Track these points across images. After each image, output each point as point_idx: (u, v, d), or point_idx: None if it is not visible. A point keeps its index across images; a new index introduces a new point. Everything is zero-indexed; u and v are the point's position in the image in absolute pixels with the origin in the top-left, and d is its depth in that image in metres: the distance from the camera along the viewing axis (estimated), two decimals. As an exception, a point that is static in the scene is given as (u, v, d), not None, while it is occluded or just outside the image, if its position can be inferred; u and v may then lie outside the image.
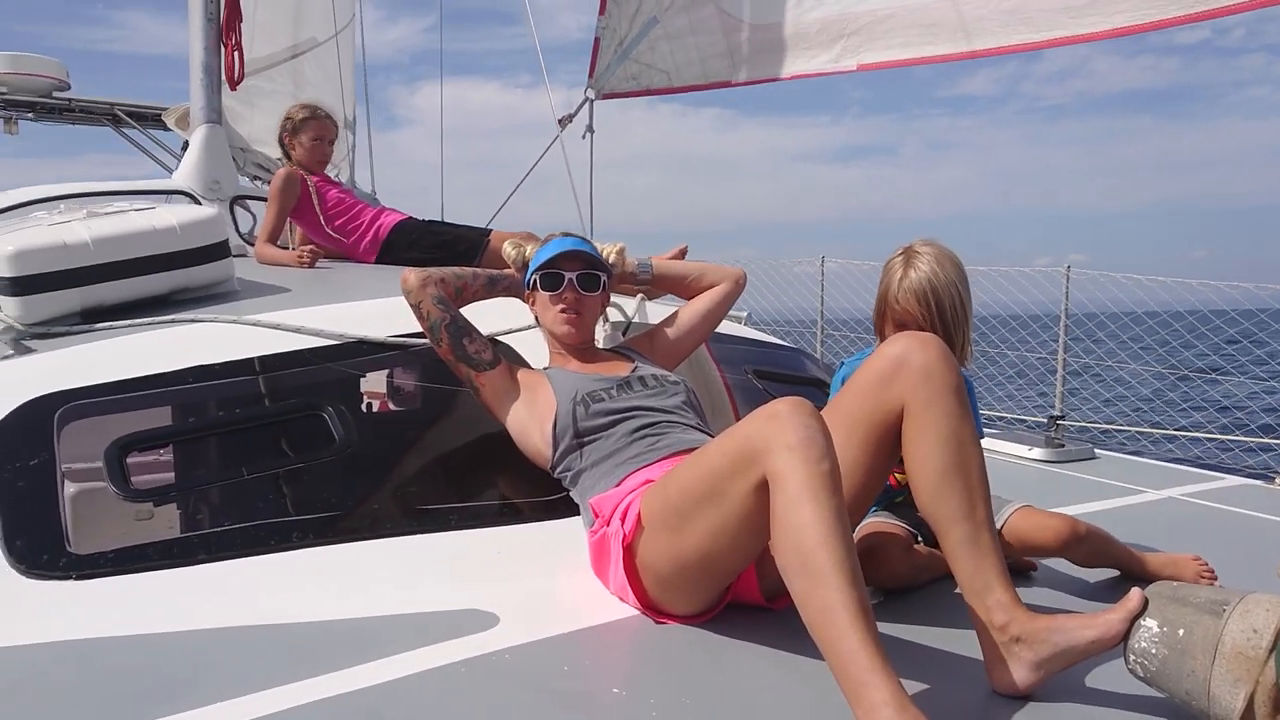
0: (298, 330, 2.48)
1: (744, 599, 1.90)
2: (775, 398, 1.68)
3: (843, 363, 2.55)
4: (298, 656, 1.68)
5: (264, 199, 4.31)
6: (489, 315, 2.48)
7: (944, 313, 2.19)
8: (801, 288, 7.53)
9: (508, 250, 2.52)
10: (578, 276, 2.35)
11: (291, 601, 1.90)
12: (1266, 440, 4.06)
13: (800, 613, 1.48)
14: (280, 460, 2.27)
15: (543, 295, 2.37)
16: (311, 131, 4.10)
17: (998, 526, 2.20)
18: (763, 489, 1.57)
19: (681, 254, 2.93)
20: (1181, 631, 1.46)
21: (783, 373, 3.54)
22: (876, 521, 2.22)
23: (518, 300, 2.51)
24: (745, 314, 4.48)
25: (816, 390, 3.27)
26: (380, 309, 2.66)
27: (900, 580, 2.11)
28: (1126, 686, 1.60)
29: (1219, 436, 4.35)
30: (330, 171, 7.51)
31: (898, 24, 4.60)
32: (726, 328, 3.71)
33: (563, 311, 2.34)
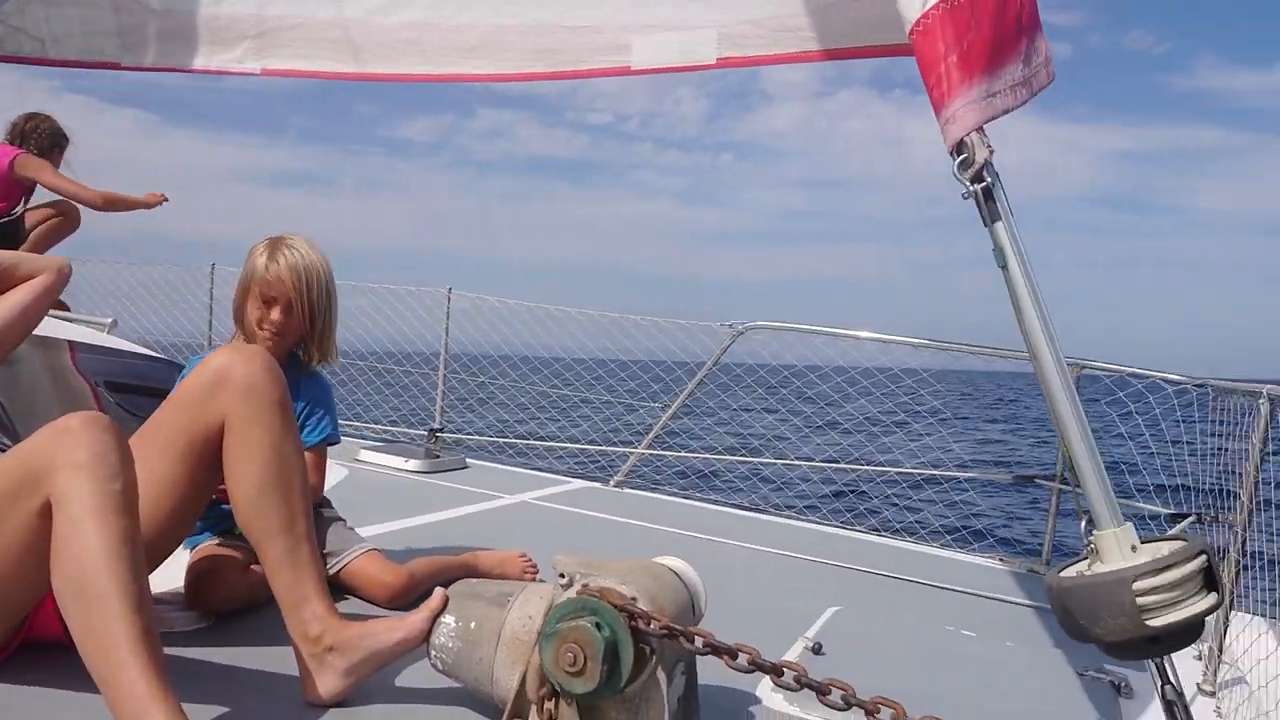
0: None
1: (41, 636, 1.70)
2: (135, 412, 1.53)
3: (189, 363, 2.45)
4: None
5: None
6: None
7: (312, 293, 2.26)
8: (196, 301, 7.08)
9: None
10: None
11: None
12: (605, 448, 4.70)
13: (78, 647, 1.36)
14: None
15: None
16: None
17: (336, 569, 2.25)
18: (48, 513, 1.42)
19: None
20: (473, 624, 1.60)
21: (142, 384, 3.29)
22: (213, 545, 2.15)
23: None
24: (110, 320, 4.09)
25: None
26: None
27: (237, 600, 2.05)
28: (434, 681, 1.71)
29: (568, 446, 4.95)
30: None
31: (304, 34, 4.52)
32: (87, 335, 3.35)
33: None
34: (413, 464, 4.18)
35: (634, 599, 1.50)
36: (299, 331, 2.31)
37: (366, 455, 4.32)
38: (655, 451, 4.27)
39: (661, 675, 1.48)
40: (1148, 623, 1.45)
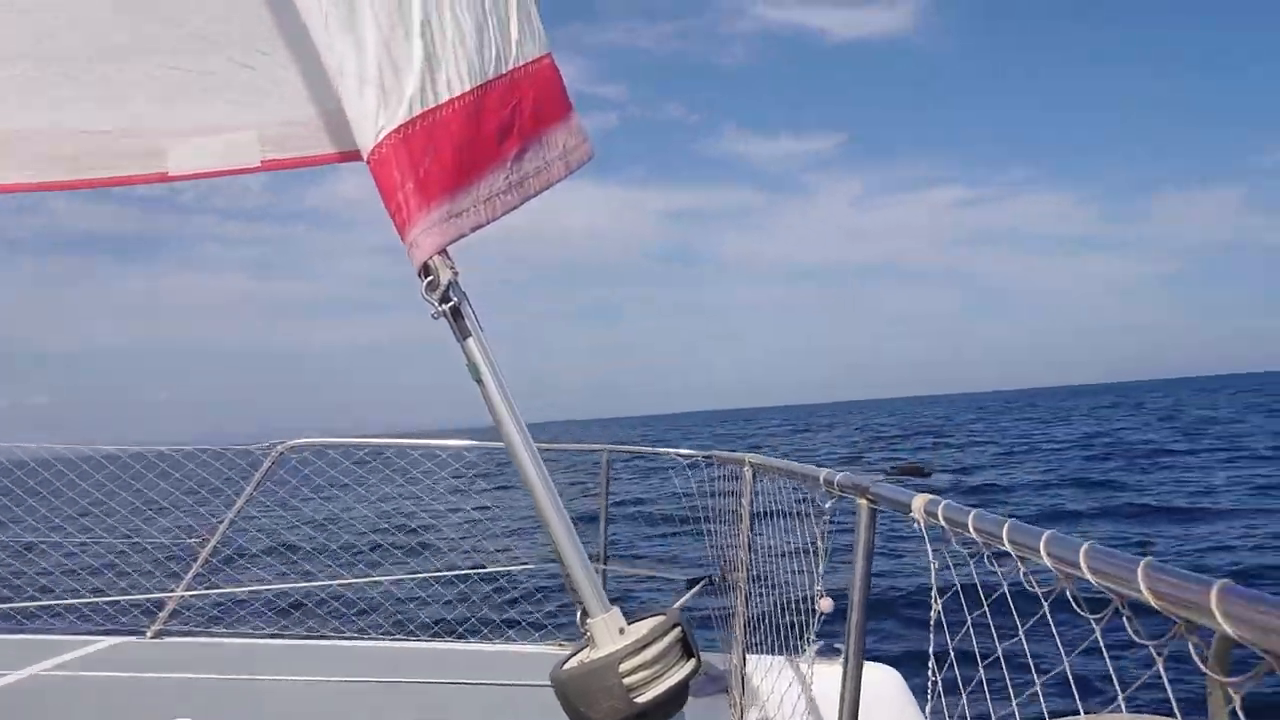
0: None
1: None
2: None
3: None
4: None
5: None
6: None
7: None
8: None
9: None
10: None
11: None
12: (137, 597, 4.21)
13: None
14: None
15: None
16: None
17: None
18: None
19: None
20: None
21: None
22: None
23: None
24: None
25: None
26: None
27: None
28: None
29: (93, 600, 4.29)
30: None
31: None
32: None
33: None
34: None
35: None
36: None
37: None
38: (198, 592, 3.90)
39: None
40: (635, 699, 1.55)
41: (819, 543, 2.34)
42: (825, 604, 2.39)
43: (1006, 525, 1.28)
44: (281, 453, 3.91)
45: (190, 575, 3.85)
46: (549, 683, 1.51)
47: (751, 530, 2.70)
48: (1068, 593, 1.15)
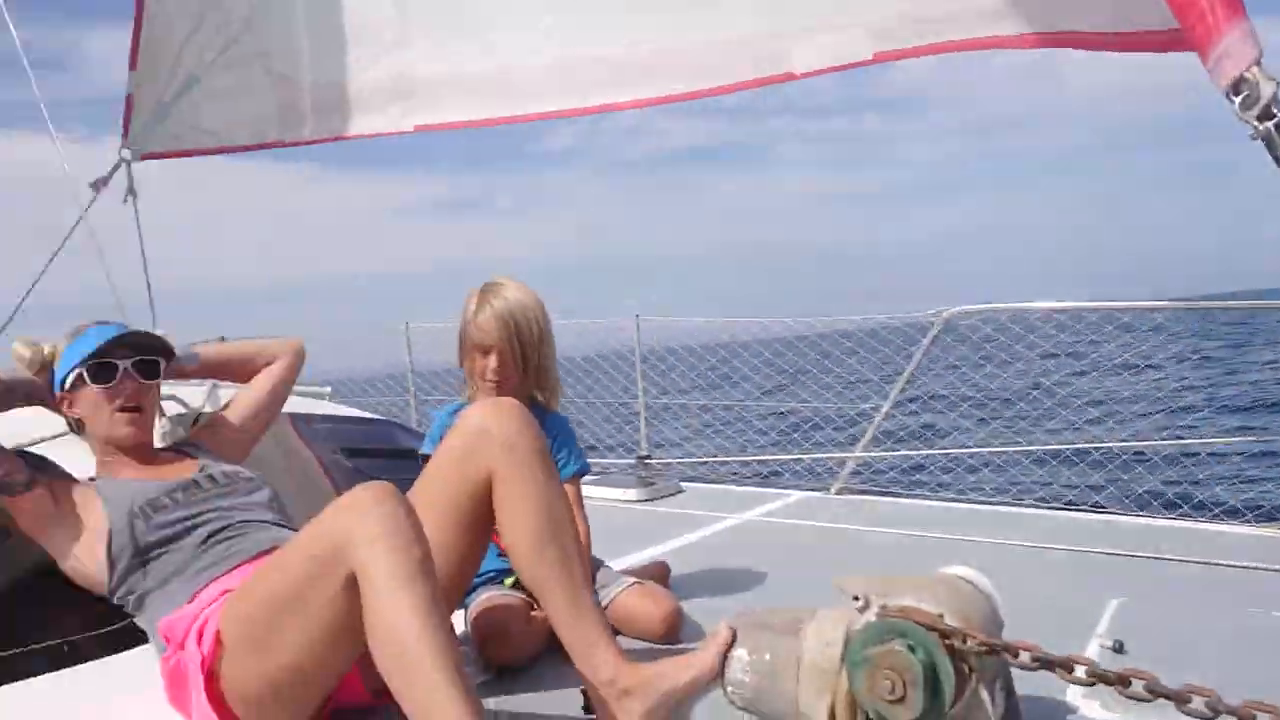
0: None
1: (348, 700, 1.75)
2: (369, 476, 1.58)
3: (433, 414, 2.51)
4: None
5: None
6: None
7: (522, 336, 2.28)
8: (390, 353, 7.37)
9: (20, 350, 2.15)
10: (133, 364, 2.08)
11: None
12: (820, 456, 4.57)
13: (404, 709, 1.38)
14: None
15: (92, 392, 2.05)
16: None
17: (604, 603, 2.23)
18: (352, 586, 1.46)
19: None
20: (767, 656, 1.55)
21: (373, 447, 3.41)
22: (493, 596, 2.17)
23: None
24: (328, 389, 4.28)
25: (410, 461, 3.19)
26: None
27: (526, 651, 2.06)
28: (728, 717, 1.67)
29: (782, 457, 4.83)
30: None
31: (455, 88, 4.68)
32: (309, 406, 3.50)
33: (122, 409, 2.06)
34: (631, 494, 4.19)
35: (940, 616, 1.41)
36: (516, 378, 2.33)
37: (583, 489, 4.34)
38: (874, 454, 4.14)
39: (985, 695, 1.39)
40: None
41: None
42: None
43: None
44: (948, 320, 3.95)
45: (866, 438, 4.11)
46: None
47: None
48: None
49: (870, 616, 1.46)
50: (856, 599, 1.49)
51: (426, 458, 1.89)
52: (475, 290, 2.35)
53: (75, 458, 2.16)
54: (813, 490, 4.27)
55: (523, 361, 2.30)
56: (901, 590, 1.47)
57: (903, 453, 4.45)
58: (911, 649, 1.36)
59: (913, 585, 1.48)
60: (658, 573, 2.59)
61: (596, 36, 4.36)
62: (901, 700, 1.35)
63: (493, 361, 2.28)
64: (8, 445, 1.99)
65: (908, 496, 4.20)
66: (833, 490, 4.13)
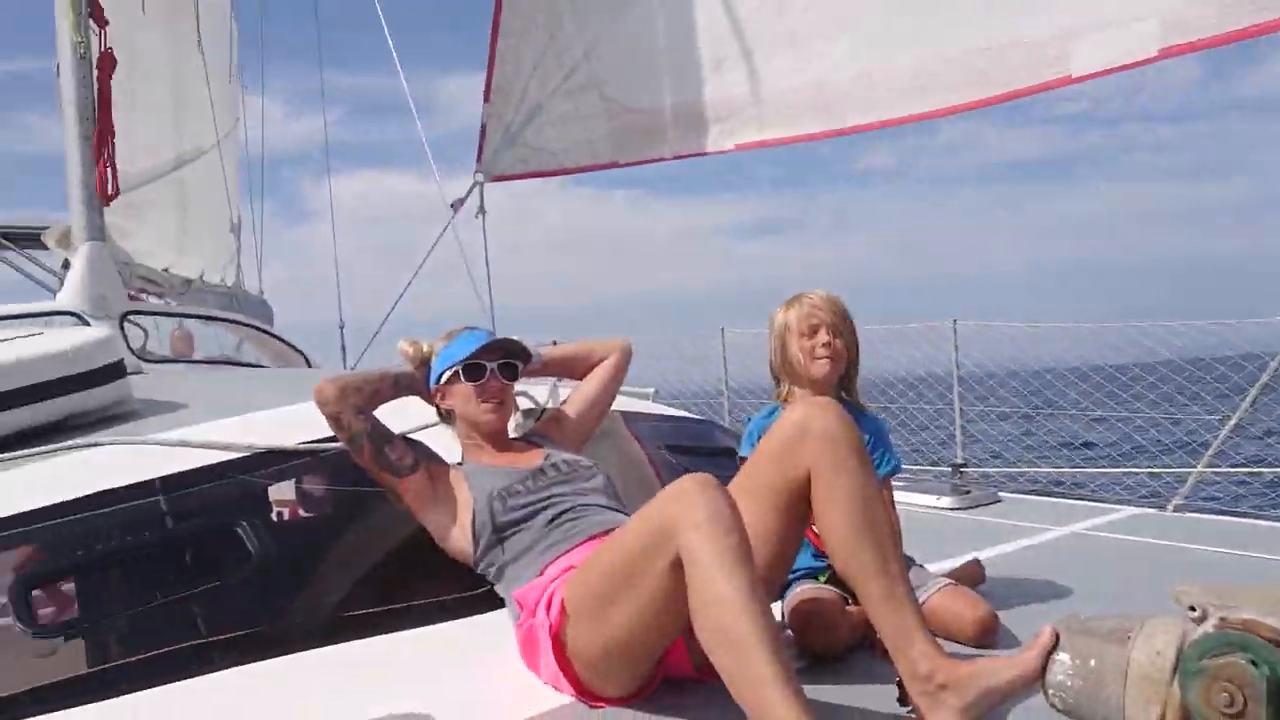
0: (204, 446, 2.43)
1: (675, 673, 1.91)
2: (690, 470, 1.72)
3: (749, 418, 2.64)
4: None
5: (156, 313, 4.22)
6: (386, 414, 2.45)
7: (848, 321, 2.46)
8: (706, 360, 7.70)
9: (405, 348, 2.51)
10: (499, 366, 2.38)
11: None
12: (1155, 469, 4.26)
13: (729, 687, 1.50)
14: (195, 580, 2.21)
15: (464, 388, 2.36)
16: None
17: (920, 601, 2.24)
18: (678, 567, 1.61)
19: None
20: (1093, 661, 1.53)
21: (694, 445, 3.59)
22: (807, 589, 2.26)
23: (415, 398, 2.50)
24: (652, 390, 4.54)
25: (727, 459, 3.33)
26: (284, 417, 2.63)
27: (840, 643, 2.13)
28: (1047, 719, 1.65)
29: (1110, 470, 4.55)
30: (214, 276, 7.30)
31: (772, 107, 4.84)
32: (636, 405, 3.75)
33: (486, 402, 2.36)
34: (946, 501, 4.12)
35: (1287, 632, 1.34)
36: (846, 355, 2.43)
37: (895, 494, 4.32)
38: (1222, 470, 3.79)
39: (1334, 718, 1.31)
40: None
41: None
42: None
43: None
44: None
45: (1210, 452, 3.79)
46: None
47: None
48: None
49: (1208, 628, 1.40)
50: (1193, 610, 1.44)
51: (744, 459, 2.01)
52: (786, 300, 2.51)
53: (443, 445, 2.49)
54: (1143, 509, 3.99)
55: (848, 344, 2.42)
56: (1243, 603, 1.41)
57: (1245, 469, 4.04)
58: (1254, 663, 1.30)
59: (1256, 598, 1.41)
60: (972, 572, 2.57)
61: (885, 49, 4.35)
62: (1241, 715, 1.30)
63: (824, 335, 2.41)
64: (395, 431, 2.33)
65: (1256, 517, 3.80)
66: (1169, 507, 3.84)
